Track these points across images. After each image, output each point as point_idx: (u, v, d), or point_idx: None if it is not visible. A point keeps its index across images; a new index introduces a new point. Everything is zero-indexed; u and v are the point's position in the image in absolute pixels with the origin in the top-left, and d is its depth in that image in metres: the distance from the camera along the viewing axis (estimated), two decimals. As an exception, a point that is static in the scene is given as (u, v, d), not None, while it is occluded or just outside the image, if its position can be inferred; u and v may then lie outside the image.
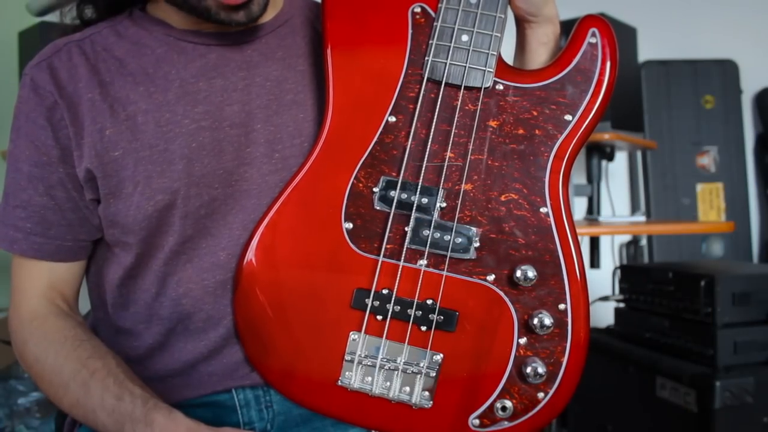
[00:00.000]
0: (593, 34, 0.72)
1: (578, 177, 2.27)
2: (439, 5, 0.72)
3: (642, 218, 2.11)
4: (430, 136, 0.72)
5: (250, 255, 0.74)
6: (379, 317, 0.72)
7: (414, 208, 0.71)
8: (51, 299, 0.79)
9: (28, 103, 0.76)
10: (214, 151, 0.76)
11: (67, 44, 0.78)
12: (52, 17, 1.73)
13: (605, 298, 1.98)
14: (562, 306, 0.71)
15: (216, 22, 0.74)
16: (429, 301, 0.71)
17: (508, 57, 0.78)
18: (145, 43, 0.78)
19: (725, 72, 2.70)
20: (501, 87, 0.72)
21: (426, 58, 0.72)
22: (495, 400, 0.72)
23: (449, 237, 0.71)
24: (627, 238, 2.64)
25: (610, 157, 2.16)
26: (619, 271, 1.94)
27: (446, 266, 0.71)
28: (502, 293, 0.71)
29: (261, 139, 0.78)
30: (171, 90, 0.76)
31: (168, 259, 0.77)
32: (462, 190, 0.71)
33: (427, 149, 0.72)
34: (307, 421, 0.80)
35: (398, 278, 0.72)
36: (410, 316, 0.71)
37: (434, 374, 0.72)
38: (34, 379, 0.78)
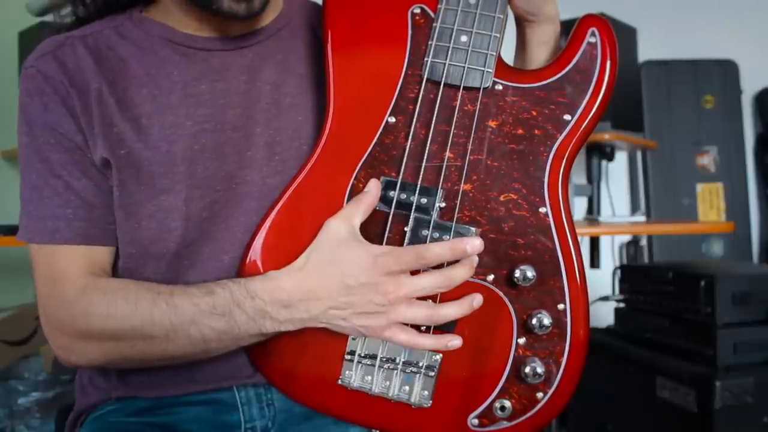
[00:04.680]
0: (593, 34, 0.72)
1: (578, 177, 2.27)
2: (439, 6, 0.72)
3: (642, 218, 2.11)
4: (429, 137, 0.72)
5: (252, 255, 0.74)
6: (379, 317, 0.72)
7: (413, 208, 0.71)
8: (95, 275, 0.76)
9: (42, 94, 0.75)
10: (215, 153, 0.76)
11: (69, 38, 0.78)
12: (52, 17, 1.73)
13: (605, 298, 1.98)
14: (561, 306, 0.71)
15: (217, 13, 0.73)
16: (428, 301, 0.71)
17: (509, 56, 0.78)
18: (147, 46, 0.79)
19: (725, 72, 2.70)
20: (500, 87, 0.72)
21: (425, 59, 0.72)
22: (494, 400, 0.72)
23: (448, 237, 0.71)
24: (627, 238, 2.64)
25: (610, 157, 2.17)
26: (619, 271, 1.94)
27: (445, 266, 0.71)
28: (501, 293, 0.71)
29: (261, 142, 0.78)
30: (174, 92, 0.77)
31: (169, 265, 0.77)
32: (461, 190, 0.71)
33: (426, 149, 0.72)
34: (308, 419, 0.80)
35: (398, 278, 0.72)
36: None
37: (433, 374, 0.72)
38: (112, 349, 0.73)
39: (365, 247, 0.68)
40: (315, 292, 0.68)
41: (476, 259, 0.69)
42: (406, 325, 0.70)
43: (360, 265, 0.67)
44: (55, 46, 0.77)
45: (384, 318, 0.68)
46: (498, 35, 0.71)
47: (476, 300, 0.69)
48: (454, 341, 0.69)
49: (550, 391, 0.71)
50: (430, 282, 0.67)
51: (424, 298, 0.70)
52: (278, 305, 0.69)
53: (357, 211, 0.70)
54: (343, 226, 0.69)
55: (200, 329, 0.70)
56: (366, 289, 0.67)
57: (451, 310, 0.69)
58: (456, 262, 0.69)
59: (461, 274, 0.68)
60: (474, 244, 0.67)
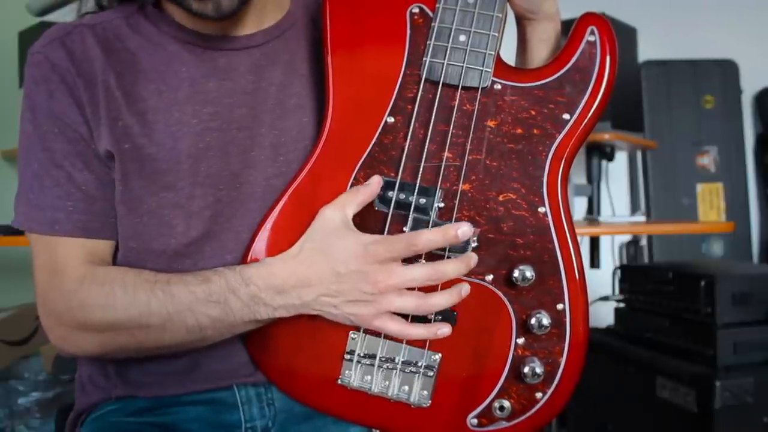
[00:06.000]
0: (592, 32, 0.72)
1: (578, 177, 2.27)
2: (437, 5, 0.72)
3: (642, 218, 2.11)
4: (428, 137, 0.72)
5: (253, 255, 0.74)
6: (378, 317, 0.72)
7: (412, 208, 0.71)
8: (94, 264, 0.76)
9: (48, 82, 0.75)
10: (220, 152, 0.76)
11: (78, 26, 0.78)
12: (52, 17, 1.73)
13: (605, 298, 1.98)
14: (560, 306, 0.71)
15: (189, 11, 0.73)
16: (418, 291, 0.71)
17: (509, 55, 0.78)
18: (156, 41, 0.78)
19: (725, 72, 2.70)
20: (499, 86, 0.72)
21: (424, 59, 0.72)
22: (493, 400, 0.72)
23: (448, 237, 0.71)
24: (627, 238, 2.64)
25: (610, 157, 2.17)
26: (619, 271, 1.93)
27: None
28: (500, 293, 0.71)
29: (265, 143, 0.78)
30: (181, 89, 0.76)
31: (171, 262, 0.77)
32: (460, 190, 0.71)
33: (425, 149, 0.72)
34: (308, 418, 0.80)
35: (397, 278, 0.71)
36: (408, 316, 0.71)
37: (432, 374, 0.72)
38: (110, 339, 0.73)
39: (356, 236, 0.69)
40: (307, 279, 0.69)
41: (475, 258, 0.69)
42: (406, 319, 0.70)
43: (350, 252, 0.68)
44: (63, 33, 0.77)
45: (373, 307, 0.68)
46: (496, 34, 0.71)
47: (464, 289, 0.70)
48: (443, 329, 0.70)
49: (550, 391, 0.71)
50: (421, 273, 0.68)
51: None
52: (272, 291, 0.70)
53: (352, 200, 0.71)
54: (336, 214, 0.70)
55: (196, 317, 0.71)
56: (356, 277, 0.67)
57: (440, 300, 0.69)
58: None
59: (453, 268, 0.68)
60: (464, 229, 0.67)
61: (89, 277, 0.74)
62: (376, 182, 0.72)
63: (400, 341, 0.72)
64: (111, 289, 0.72)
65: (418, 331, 0.70)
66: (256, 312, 0.70)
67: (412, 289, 0.70)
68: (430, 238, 0.67)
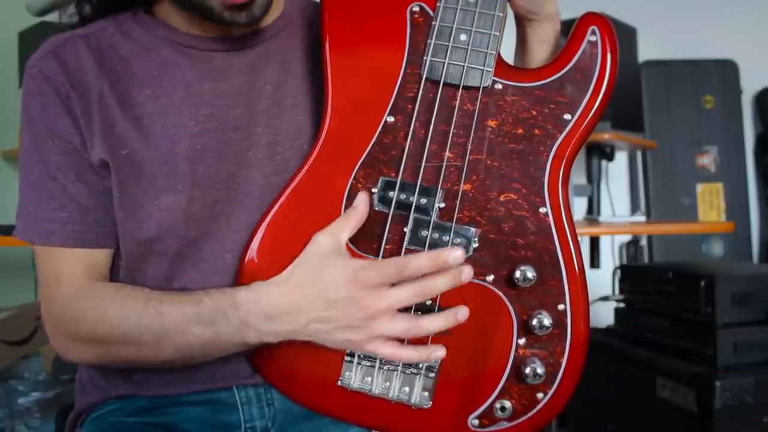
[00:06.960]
0: (593, 32, 0.71)
1: (578, 177, 2.27)
2: (438, 4, 0.72)
3: (642, 218, 2.11)
4: (429, 137, 0.72)
5: (251, 255, 0.74)
6: (379, 317, 0.72)
7: (413, 208, 0.71)
8: (92, 277, 0.77)
9: (43, 95, 0.76)
10: (217, 153, 0.77)
11: (72, 37, 0.79)
12: (52, 17, 1.73)
13: (605, 298, 1.98)
14: (561, 306, 0.70)
15: (219, 21, 0.74)
16: (428, 302, 0.71)
17: (508, 54, 0.78)
18: (149, 46, 0.79)
19: (725, 72, 2.70)
20: (500, 86, 0.72)
21: (424, 58, 0.72)
22: (494, 401, 0.72)
23: (448, 237, 0.71)
24: (627, 238, 2.64)
25: (610, 157, 2.17)
26: (619, 271, 1.93)
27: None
28: (501, 294, 0.71)
29: (262, 142, 0.78)
30: (177, 93, 0.77)
31: (172, 263, 0.77)
32: (461, 190, 0.71)
33: (426, 149, 0.72)
34: (307, 418, 0.80)
35: (397, 279, 0.71)
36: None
37: (433, 375, 0.72)
38: (106, 351, 0.75)
39: (346, 262, 0.68)
40: (297, 305, 0.69)
41: (468, 271, 0.67)
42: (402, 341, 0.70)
43: (340, 278, 0.67)
44: (57, 45, 0.78)
45: (365, 332, 0.68)
46: (497, 34, 0.71)
47: (461, 312, 0.68)
48: (437, 353, 0.69)
49: (551, 392, 0.71)
50: (408, 294, 0.67)
51: (423, 305, 0.70)
52: (262, 317, 0.70)
53: (345, 226, 0.71)
54: (329, 240, 0.70)
55: (186, 338, 0.71)
56: (346, 303, 0.67)
57: (433, 324, 0.68)
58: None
59: (441, 282, 0.67)
60: (456, 255, 0.66)
61: (86, 291, 0.76)
62: (363, 201, 0.71)
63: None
64: (104, 305, 0.74)
65: (411, 354, 0.69)
66: (245, 336, 0.70)
67: (409, 309, 0.69)
68: (421, 263, 0.66)
